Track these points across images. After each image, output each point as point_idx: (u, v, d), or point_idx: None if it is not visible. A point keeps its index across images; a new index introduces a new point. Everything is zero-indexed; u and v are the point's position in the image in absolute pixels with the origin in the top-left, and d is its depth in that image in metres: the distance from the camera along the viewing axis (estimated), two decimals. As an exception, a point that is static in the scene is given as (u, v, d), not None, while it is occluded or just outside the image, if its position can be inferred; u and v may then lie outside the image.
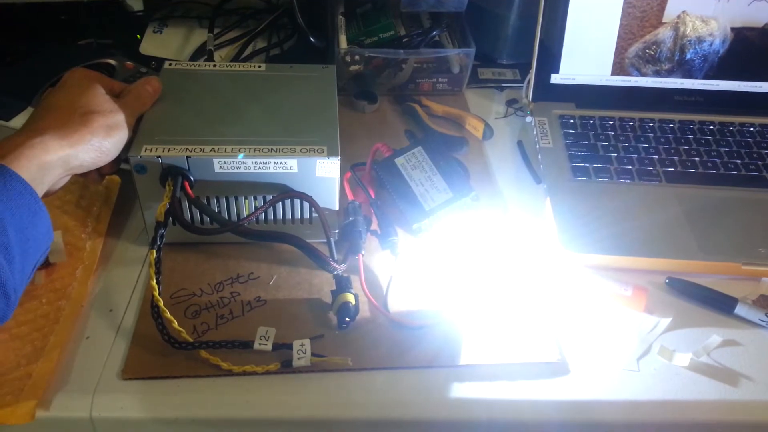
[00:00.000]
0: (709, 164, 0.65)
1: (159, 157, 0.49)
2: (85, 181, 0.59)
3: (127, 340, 0.48)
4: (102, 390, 0.45)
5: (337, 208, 0.54)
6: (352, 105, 0.74)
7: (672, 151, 0.66)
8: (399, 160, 0.60)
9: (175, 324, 0.46)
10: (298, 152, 0.51)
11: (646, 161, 0.65)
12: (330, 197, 0.53)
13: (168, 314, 0.46)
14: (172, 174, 0.50)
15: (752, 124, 0.70)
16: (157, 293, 0.46)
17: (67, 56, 0.70)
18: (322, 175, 0.52)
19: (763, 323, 0.51)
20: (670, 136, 0.68)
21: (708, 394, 0.47)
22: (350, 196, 0.59)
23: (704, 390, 0.47)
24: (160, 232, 0.48)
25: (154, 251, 0.47)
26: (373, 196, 0.58)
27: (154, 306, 0.46)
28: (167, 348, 0.46)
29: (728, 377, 0.48)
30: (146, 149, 0.50)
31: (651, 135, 0.68)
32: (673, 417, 0.46)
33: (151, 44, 0.77)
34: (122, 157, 0.51)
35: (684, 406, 0.47)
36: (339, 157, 0.51)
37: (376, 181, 0.61)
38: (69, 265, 0.53)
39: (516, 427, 0.46)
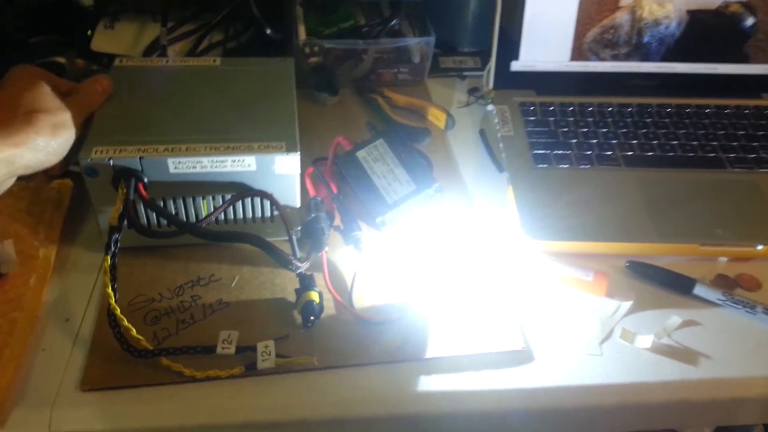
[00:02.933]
0: (667, 147, 0.66)
1: (110, 159, 0.48)
2: (33, 185, 0.57)
3: (84, 351, 0.47)
4: (61, 403, 0.44)
5: (298, 204, 0.53)
6: (312, 98, 0.73)
7: (631, 135, 0.67)
8: (360, 154, 0.59)
9: (134, 332, 0.45)
10: (255, 149, 0.50)
11: (606, 146, 0.66)
12: (291, 194, 0.53)
13: (126, 322, 0.45)
14: (124, 176, 0.48)
15: (708, 106, 0.71)
16: (113, 301, 0.45)
17: (15, 55, 0.68)
18: (282, 172, 0.51)
19: (721, 302, 0.52)
20: (628, 120, 0.69)
21: (670, 375, 0.48)
22: (312, 192, 0.58)
23: (666, 371, 0.48)
24: (114, 237, 0.47)
25: (109, 257, 0.46)
26: (335, 191, 0.58)
27: (111, 314, 0.45)
28: (127, 357, 0.45)
29: (689, 357, 0.49)
30: (96, 151, 0.48)
31: (610, 120, 0.69)
32: (637, 399, 0.47)
33: (102, 40, 0.75)
34: (71, 158, 0.49)
35: (647, 388, 0.47)
36: (299, 153, 0.50)
37: (338, 176, 0.60)
38: (22, 274, 0.51)
39: (484, 418, 0.46)
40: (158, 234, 0.49)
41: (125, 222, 0.48)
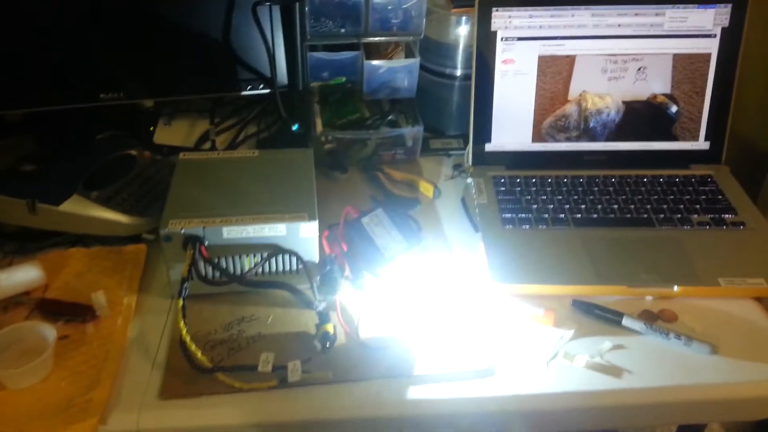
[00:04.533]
0: (608, 210, 0.83)
1: (182, 228, 0.66)
2: (117, 248, 0.75)
3: (160, 371, 0.63)
4: (145, 408, 0.60)
5: (317, 260, 0.71)
6: (327, 175, 0.91)
7: (580, 201, 0.84)
8: (365, 220, 0.77)
9: (199, 354, 0.61)
10: (286, 219, 0.68)
11: (559, 210, 0.82)
12: (312, 252, 0.70)
13: (193, 347, 0.61)
14: (191, 241, 0.66)
15: (646, 176, 0.88)
16: (185, 332, 0.62)
17: (95, 148, 0.87)
18: (305, 236, 0.68)
19: (643, 330, 0.68)
20: (579, 189, 0.86)
21: (601, 385, 0.63)
22: (327, 250, 0.75)
23: (598, 382, 0.63)
24: (185, 285, 0.64)
25: (182, 300, 0.63)
26: (345, 249, 0.75)
27: (182, 342, 0.62)
28: (193, 374, 0.61)
29: (616, 372, 0.64)
30: (172, 223, 0.66)
31: (564, 189, 0.86)
32: (575, 404, 0.62)
33: (162, 134, 0.95)
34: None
35: (583, 396, 0.62)
36: (317, 221, 0.68)
37: (347, 237, 0.77)
38: (111, 317, 0.68)
39: (456, 419, 0.61)
40: (214, 282, 0.66)
41: (192, 274, 0.65)
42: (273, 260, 0.70)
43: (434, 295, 0.71)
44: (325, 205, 0.82)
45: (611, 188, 0.86)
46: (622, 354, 0.66)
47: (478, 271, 0.75)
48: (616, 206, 0.83)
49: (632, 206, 0.83)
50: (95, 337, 0.66)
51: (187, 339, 0.61)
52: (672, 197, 0.85)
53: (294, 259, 0.70)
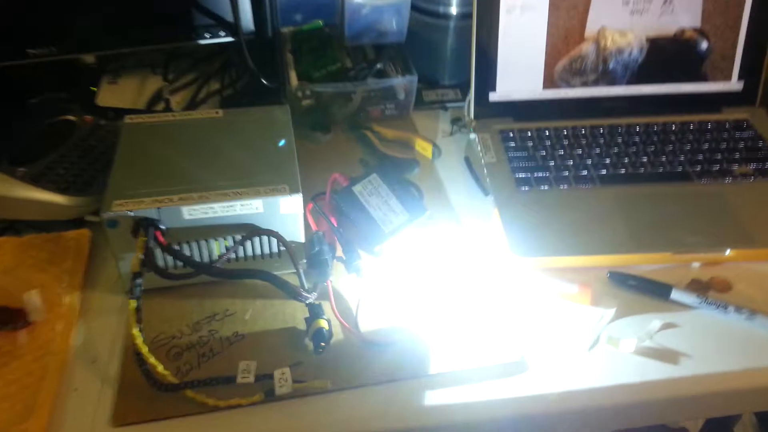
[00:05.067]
0: (638, 164, 0.71)
1: (130, 211, 0.52)
2: (53, 235, 0.61)
3: (113, 388, 0.50)
4: (95, 438, 0.47)
5: (303, 240, 0.58)
6: (307, 137, 0.78)
7: (603, 154, 0.72)
8: (356, 188, 0.64)
9: (160, 368, 0.49)
10: (262, 193, 0.54)
11: (581, 167, 0.71)
12: (295, 231, 0.57)
13: (152, 360, 0.49)
14: (143, 226, 0.53)
15: (673, 123, 0.77)
16: (140, 341, 0.49)
17: (25, 115, 0.72)
18: (287, 212, 0.55)
19: (696, 304, 0.57)
20: (600, 141, 0.74)
21: (654, 375, 0.52)
22: (314, 227, 0.62)
23: (650, 371, 0.53)
24: (137, 282, 0.51)
25: (135, 300, 0.50)
26: (335, 225, 0.62)
27: (138, 353, 0.49)
28: (154, 392, 0.49)
29: (671, 357, 0.54)
30: (116, 204, 0.52)
31: (584, 142, 0.74)
32: (624, 400, 0.52)
33: (107, 96, 0.80)
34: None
35: (634, 389, 0.52)
36: (301, 194, 0.55)
37: (336, 210, 0.65)
38: (49, 321, 0.55)
39: (481, 427, 0.50)
40: (176, 276, 0.53)
41: (147, 266, 0.52)
42: (248, 243, 0.57)
43: (446, 276, 0.60)
44: (307, 172, 0.69)
45: (636, 138, 0.75)
46: (675, 334, 0.56)
47: (495, 243, 0.63)
48: (645, 159, 0.72)
49: (663, 158, 0.72)
50: (29, 348, 0.53)
51: (144, 350, 0.49)
52: (707, 146, 0.74)
53: (274, 241, 0.57)
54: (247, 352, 0.53)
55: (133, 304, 0.50)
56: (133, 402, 0.49)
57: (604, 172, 0.70)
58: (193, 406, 0.49)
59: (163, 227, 0.53)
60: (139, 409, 0.49)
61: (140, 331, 0.49)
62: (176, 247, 0.55)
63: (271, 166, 0.58)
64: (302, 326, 0.55)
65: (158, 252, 0.55)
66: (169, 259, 0.56)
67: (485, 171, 0.71)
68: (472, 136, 0.77)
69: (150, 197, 0.53)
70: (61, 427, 0.48)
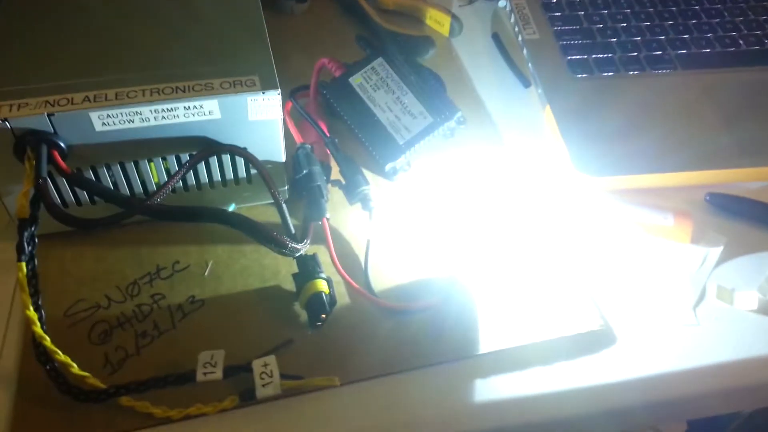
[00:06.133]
0: (727, 40, 0.53)
1: (6, 119, 0.32)
2: None
3: (10, 392, 0.34)
4: (-14, 470, 0.31)
5: (283, 159, 0.39)
6: (275, 5, 0.56)
7: (680, 27, 0.54)
8: (355, 80, 0.44)
9: (76, 368, 0.32)
10: (217, 88, 0.35)
11: (654, 44, 0.52)
12: (272, 145, 0.38)
13: (61, 356, 0.31)
14: (30, 143, 0.33)
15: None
16: (39, 327, 0.31)
17: None
18: (258, 118, 0.36)
19: (826, 237, 0.42)
20: (673, 8, 0.55)
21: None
22: (298, 139, 0.44)
23: (773, 334, 0.38)
24: (27, 232, 0.32)
25: (24, 265, 0.32)
26: (327, 134, 0.43)
27: (39, 346, 0.31)
28: (71, 400, 0.32)
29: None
30: (-20, 110, 0.32)
31: (651, 9, 0.55)
32: (751, 379, 0.37)
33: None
34: None
35: (760, 363, 0.37)
36: (279, 90, 0.35)
37: (327, 111, 0.46)
38: None
39: (563, 424, 0.36)
40: (91, 224, 0.34)
41: (40, 208, 0.33)
42: (201, 167, 0.38)
43: (487, 207, 0.42)
44: (278, 54, 0.49)
45: (719, 5, 0.56)
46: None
47: (549, 154, 0.46)
48: (735, 33, 0.54)
49: (759, 32, 0.54)
50: None
51: (46, 341, 0.31)
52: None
53: (241, 162, 0.38)
54: (209, 327, 0.36)
55: (24, 268, 0.32)
56: (40, 413, 0.33)
57: (684, 51, 0.52)
58: (131, 418, 0.32)
59: (62, 144, 0.34)
60: (48, 425, 0.32)
61: (39, 310, 0.32)
62: (88, 175, 0.36)
63: (232, 48, 0.38)
64: (288, 284, 0.38)
65: (61, 182, 0.36)
66: (82, 194, 0.37)
67: (525, 52, 0.52)
68: (502, 3, 0.57)
69: (39, 97, 0.33)
70: (-69, 457, 0.32)
